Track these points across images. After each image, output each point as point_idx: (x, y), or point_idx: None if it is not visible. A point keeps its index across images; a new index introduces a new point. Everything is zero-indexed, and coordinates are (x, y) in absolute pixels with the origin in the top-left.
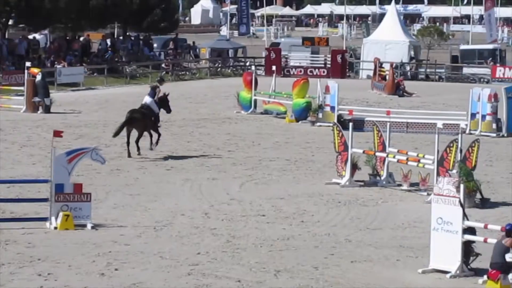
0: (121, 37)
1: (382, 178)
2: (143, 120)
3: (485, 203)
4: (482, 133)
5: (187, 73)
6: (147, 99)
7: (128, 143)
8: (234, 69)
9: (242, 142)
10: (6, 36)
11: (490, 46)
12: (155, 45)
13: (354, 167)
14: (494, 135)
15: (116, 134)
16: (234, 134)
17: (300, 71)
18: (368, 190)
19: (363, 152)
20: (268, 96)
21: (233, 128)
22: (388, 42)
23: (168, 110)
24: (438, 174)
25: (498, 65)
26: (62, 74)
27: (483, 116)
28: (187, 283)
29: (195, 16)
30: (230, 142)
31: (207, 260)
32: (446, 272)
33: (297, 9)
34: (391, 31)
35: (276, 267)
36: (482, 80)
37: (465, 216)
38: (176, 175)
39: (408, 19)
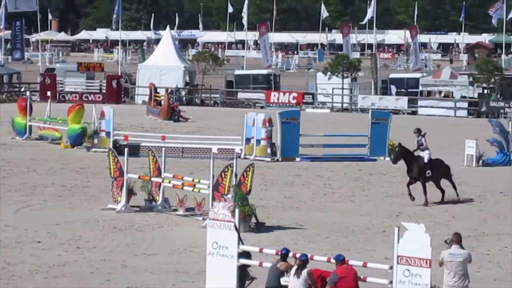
0: None
1: (158, 203)
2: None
3: (260, 227)
4: (257, 158)
5: None
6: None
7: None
8: (8, 95)
9: (17, 168)
10: None
11: (265, 71)
12: None
13: (130, 193)
14: (269, 159)
15: None
16: (9, 160)
17: (76, 97)
18: (144, 216)
19: (139, 177)
20: (43, 122)
21: (8, 154)
22: (163, 67)
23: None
24: (213, 199)
25: (272, 90)
26: None
27: (258, 141)
28: None
29: None
30: (5, 168)
31: None
32: None
33: (72, 34)
34: (166, 57)
35: None
36: (257, 105)
37: (240, 240)
38: None
39: (183, 45)
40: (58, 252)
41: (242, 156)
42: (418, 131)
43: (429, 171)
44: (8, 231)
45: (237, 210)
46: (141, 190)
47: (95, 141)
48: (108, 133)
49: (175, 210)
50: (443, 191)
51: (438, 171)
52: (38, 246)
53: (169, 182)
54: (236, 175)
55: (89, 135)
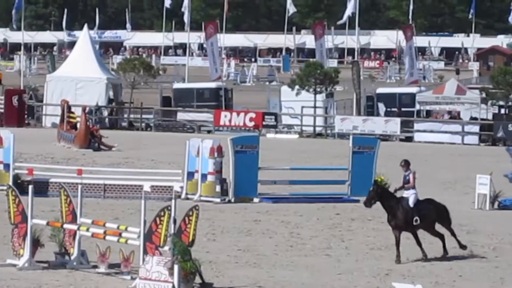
0: None
1: (72, 257)
2: None
3: None
4: (203, 198)
5: None
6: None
7: None
8: None
9: None
10: None
11: (213, 85)
12: None
13: (36, 244)
14: (219, 200)
15: None
16: None
17: None
18: (54, 274)
19: (47, 223)
20: None
21: None
22: (79, 79)
23: None
24: (145, 252)
25: (222, 109)
26: None
27: (204, 176)
28: None
29: None
30: None
31: None
32: None
33: None
34: (83, 65)
35: None
36: (202, 129)
37: None
38: None
39: (105, 49)
40: None
41: (183, 196)
42: (406, 164)
43: (416, 217)
44: None
45: (176, 267)
46: (50, 240)
47: None
48: (7, 166)
49: (95, 266)
50: (442, 238)
51: (429, 215)
52: None
53: (87, 230)
54: (175, 221)
55: None
